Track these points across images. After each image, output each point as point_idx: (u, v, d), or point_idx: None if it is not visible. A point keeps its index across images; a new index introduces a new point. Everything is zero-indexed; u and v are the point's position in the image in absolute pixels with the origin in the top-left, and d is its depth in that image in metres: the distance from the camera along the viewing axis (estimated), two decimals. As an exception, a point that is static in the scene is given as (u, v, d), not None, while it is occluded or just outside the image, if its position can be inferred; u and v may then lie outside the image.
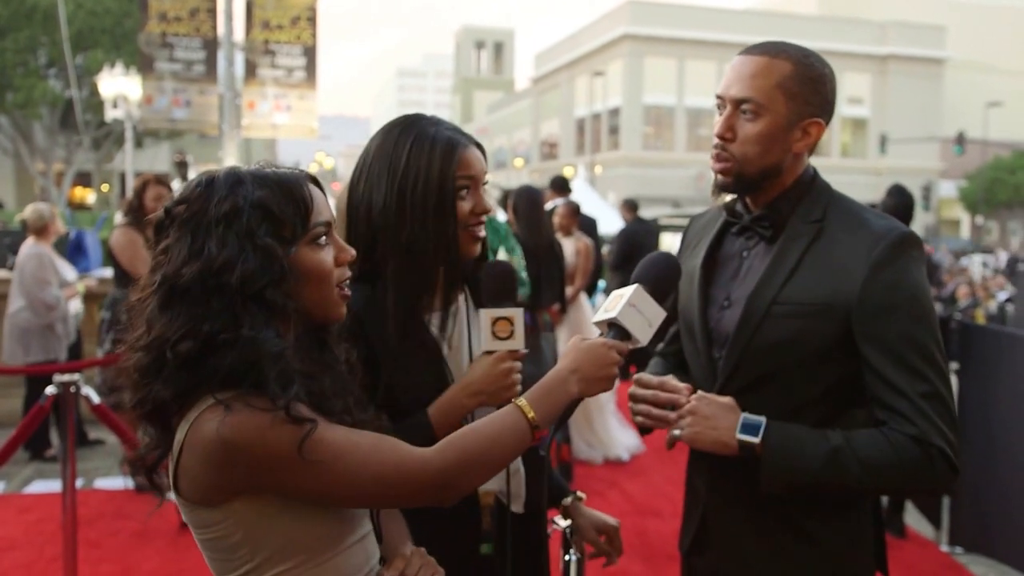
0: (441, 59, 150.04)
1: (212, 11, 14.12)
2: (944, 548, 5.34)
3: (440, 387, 1.95)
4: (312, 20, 14.61)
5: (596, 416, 7.12)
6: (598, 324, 1.85)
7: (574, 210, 7.69)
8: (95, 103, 28.40)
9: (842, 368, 1.94)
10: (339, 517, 1.57)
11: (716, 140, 2.01)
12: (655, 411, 2.04)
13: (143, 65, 14.30)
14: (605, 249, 12.67)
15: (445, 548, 1.93)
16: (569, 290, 7.25)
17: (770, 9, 53.74)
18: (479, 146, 2.01)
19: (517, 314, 1.96)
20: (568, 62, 53.68)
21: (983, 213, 51.71)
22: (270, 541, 1.49)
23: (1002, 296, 15.02)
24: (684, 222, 2.34)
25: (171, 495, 1.54)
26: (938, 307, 8.83)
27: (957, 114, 50.07)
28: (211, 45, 14.24)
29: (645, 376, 2.10)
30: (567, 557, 2.18)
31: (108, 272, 7.91)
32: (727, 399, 1.96)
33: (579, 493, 2.28)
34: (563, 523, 2.23)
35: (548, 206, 7.36)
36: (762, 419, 1.90)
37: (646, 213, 13.85)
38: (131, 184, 6.95)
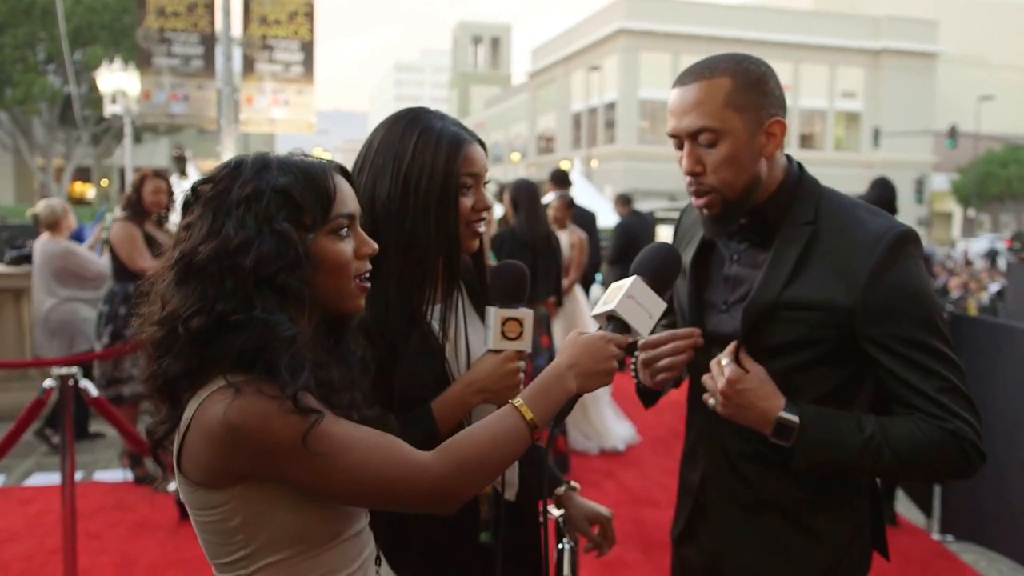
0: (438, 54, 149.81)
1: (210, 6, 14.15)
2: (935, 536, 5.37)
3: (439, 379, 1.95)
4: (309, 15, 14.65)
5: (592, 407, 7.14)
6: (596, 317, 1.83)
7: (568, 203, 7.71)
8: (94, 99, 28.38)
9: (844, 370, 1.93)
10: (338, 511, 1.56)
11: (688, 178, 1.96)
12: (680, 358, 2.03)
13: (141, 60, 14.34)
14: (603, 243, 12.69)
15: (445, 538, 1.96)
16: (564, 283, 7.28)
17: (764, 4, 53.60)
18: (482, 143, 2.00)
19: (528, 315, 1.95)
20: (564, 57, 53.65)
21: (975, 206, 51.82)
22: (268, 529, 1.49)
23: (994, 288, 15.04)
24: (679, 215, 2.32)
25: (171, 486, 1.54)
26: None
27: (949, 108, 50.23)
28: (209, 40, 14.28)
29: (652, 337, 2.04)
30: (560, 546, 2.17)
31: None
32: (760, 369, 1.94)
33: (573, 483, 2.27)
34: (556, 512, 2.22)
35: (546, 199, 7.38)
36: (795, 417, 1.89)
37: (642, 206, 13.87)
38: (130, 179, 6.96)
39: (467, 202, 1.94)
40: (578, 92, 51.92)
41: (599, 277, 11.43)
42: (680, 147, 1.96)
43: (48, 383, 4.24)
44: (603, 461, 6.92)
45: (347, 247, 1.58)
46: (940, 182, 53.39)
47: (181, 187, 9.90)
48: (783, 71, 40.13)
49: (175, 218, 6.24)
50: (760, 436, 1.94)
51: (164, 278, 1.53)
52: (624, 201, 12.07)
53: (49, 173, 34.93)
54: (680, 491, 2.27)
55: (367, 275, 1.64)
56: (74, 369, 4.24)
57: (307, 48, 14.66)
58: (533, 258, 6.24)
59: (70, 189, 37.42)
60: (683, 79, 1.94)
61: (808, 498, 1.97)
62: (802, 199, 1.98)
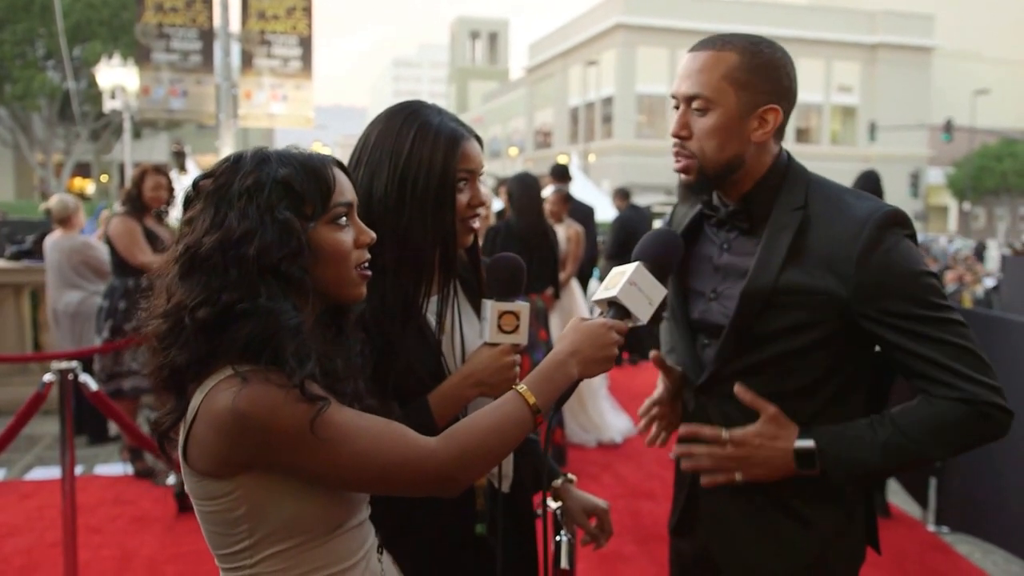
0: (436, 49, 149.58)
1: (208, 1, 14.16)
2: (931, 528, 5.39)
3: (435, 372, 1.95)
4: (307, 10, 14.65)
5: (590, 400, 7.17)
6: (598, 303, 1.84)
7: (564, 197, 7.72)
8: (93, 94, 28.43)
9: (839, 354, 1.95)
10: (341, 501, 1.58)
11: (674, 140, 2.01)
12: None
13: (140, 56, 14.34)
14: (600, 239, 12.70)
15: (441, 530, 1.96)
16: (560, 276, 7.29)
17: (761, -2, 53.70)
18: (478, 139, 2.00)
19: (524, 309, 1.95)
20: (562, 52, 53.68)
21: (970, 200, 51.89)
22: (272, 520, 1.50)
23: (989, 283, 15.05)
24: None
25: (171, 480, 1.55)
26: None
27: (945, 102, 50.24)
28: (207, 35, 14.28)
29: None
30: (558, 539, 2.16)
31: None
32: (767, 427, 1.96)
33: (570, 475, 2.27)
34: (554, 505, 2.22)
35: (544, 193, 7.40)
36: (809, 442, 1.92)
37: (640, 201, 13.86)
38: (130, 174, 7.02)
39: (463, 198, 1.94)
40: (575, 87, 51.90)
41: (596, 272, 11.44)
42: (677, 109, 2.01)
43: (48, 377, 4.23)
44: (600, 454, 6.95)
45: (347, 236, 1.60)
46: (936, 176, 53.46)
47: (181, 182, 9.95)
48: (781, 65, 39.95)
49: (176, 213, 6.28)
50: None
51: (169, 272, 1.54)
52: (623, 195, 12.05)
53: (49, 169, 34.94)
54: (676, 483, 2.28)
55: (366, 264, 1.65)
56: (74, 363, 4.24)
57: (305, 43, 14.65)
58: (527, 251, 6.24)
59: (70, 185, 37.45)
60: (698, 45, 1.99)
61: (798, 486, 1.98)
62: (791, 185, 2.00)
